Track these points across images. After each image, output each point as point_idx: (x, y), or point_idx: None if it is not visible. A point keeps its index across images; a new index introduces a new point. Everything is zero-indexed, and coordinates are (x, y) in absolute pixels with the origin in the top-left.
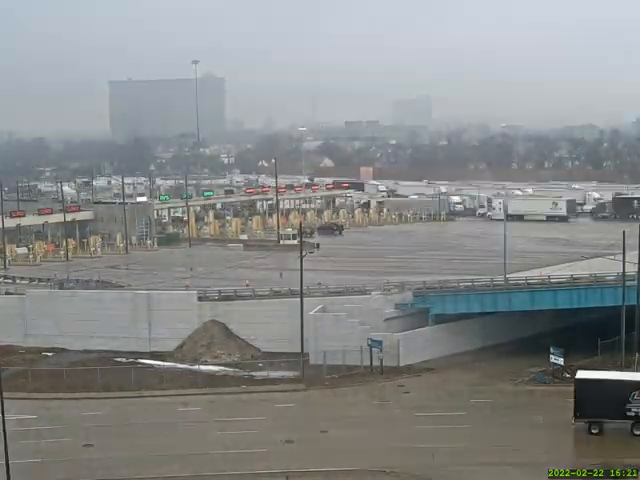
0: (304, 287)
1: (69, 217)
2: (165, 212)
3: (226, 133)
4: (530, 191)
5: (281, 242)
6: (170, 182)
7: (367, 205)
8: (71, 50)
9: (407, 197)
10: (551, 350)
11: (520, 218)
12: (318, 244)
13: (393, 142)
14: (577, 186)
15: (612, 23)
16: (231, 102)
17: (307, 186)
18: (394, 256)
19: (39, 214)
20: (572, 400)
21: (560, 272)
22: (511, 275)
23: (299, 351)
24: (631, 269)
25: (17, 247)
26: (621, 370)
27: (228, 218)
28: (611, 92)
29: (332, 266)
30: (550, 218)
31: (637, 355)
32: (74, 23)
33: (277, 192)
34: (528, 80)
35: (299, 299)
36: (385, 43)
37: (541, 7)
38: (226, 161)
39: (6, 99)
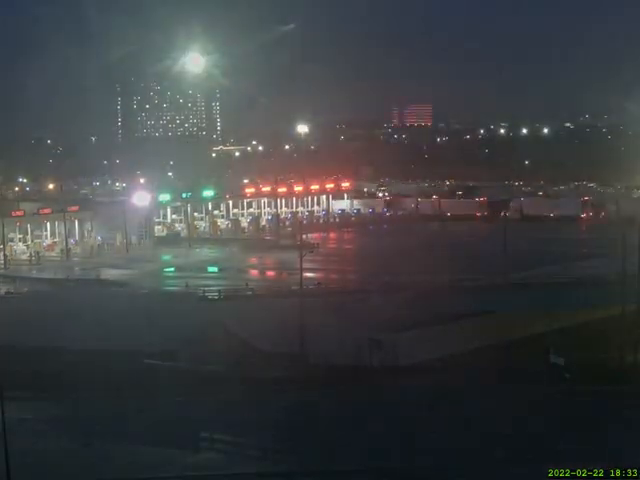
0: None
1: (69, 217)
2: (165, 212)
3: (225, 133)
4: None
5: (281, 242)
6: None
7: None
8: (72, 49)
9: None
10: (551, 350)
11: None
12: (318, 244)
13: (393, 142)
14: None
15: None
16: (231, 102)
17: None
18: None
19: (39, 214)
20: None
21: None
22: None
23: (299, 351)
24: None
25: (17, 247)
26: None
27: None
28: (612, 92)
29: (332, 266)
30: None
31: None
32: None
33: (277, 193)
34: (529, 79)
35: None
36: (384, 42)
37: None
38: None
39: (6, 100)
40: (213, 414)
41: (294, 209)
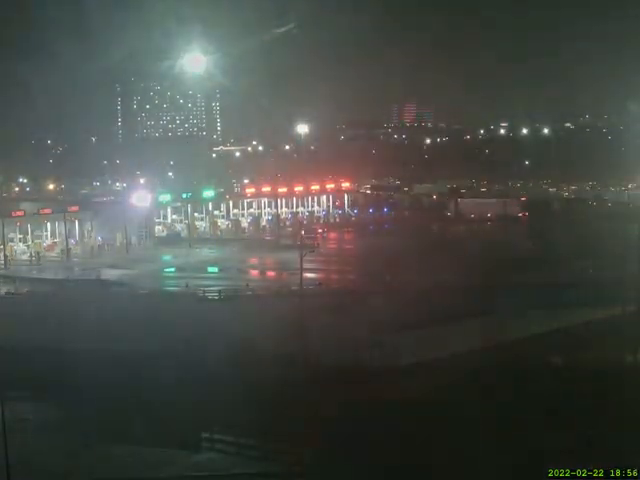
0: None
1: (69, 217)
2: (166, 212)
3: (225, 133)
4: None
5: (281, 242)
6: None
7: None
8: (72, 49)
9: None
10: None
11: None
12: (318, 244)
13: (393, 142)
14: None
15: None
16: (231, 102)
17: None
18: None
19: (39, 214)
20: None
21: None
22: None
23: (299, 351)
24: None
25: (17, 247)
26: None
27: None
28: (612, 92)
29: (333, 266)
30: None
31: None
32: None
33: (277, 193)
34: (529, 78)
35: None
36: (384, 42)
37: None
38: None
39: (6, 100)
40: (213, 414)
41: (294, 209)
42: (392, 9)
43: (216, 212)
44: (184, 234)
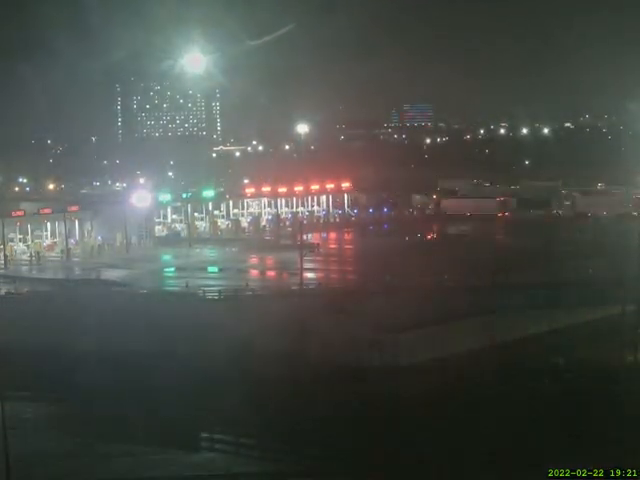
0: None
1: (69, 216)
2: (166, 212)
3: (225, 133)
4: None
5: (281, 242)
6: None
7: None
8: (72, 49)
9: None
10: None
11: None
12: (318, 244)
13: (393, 142)
14: None
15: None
16: (231, 102)
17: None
18: None
19: (39, 214)
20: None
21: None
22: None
23: (299, 351)
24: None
25: (17, 247)
26: None
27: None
28: (612, 92)
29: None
30: None
31: None
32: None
33: (277, 193)
34: (529, 79)
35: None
36: (383, 42)
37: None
38: None
39: (6, 99)
40: (213, 414)
41: (294, 209)
42: (392, 8)
43: (216, 212)
44: (184, 234)
